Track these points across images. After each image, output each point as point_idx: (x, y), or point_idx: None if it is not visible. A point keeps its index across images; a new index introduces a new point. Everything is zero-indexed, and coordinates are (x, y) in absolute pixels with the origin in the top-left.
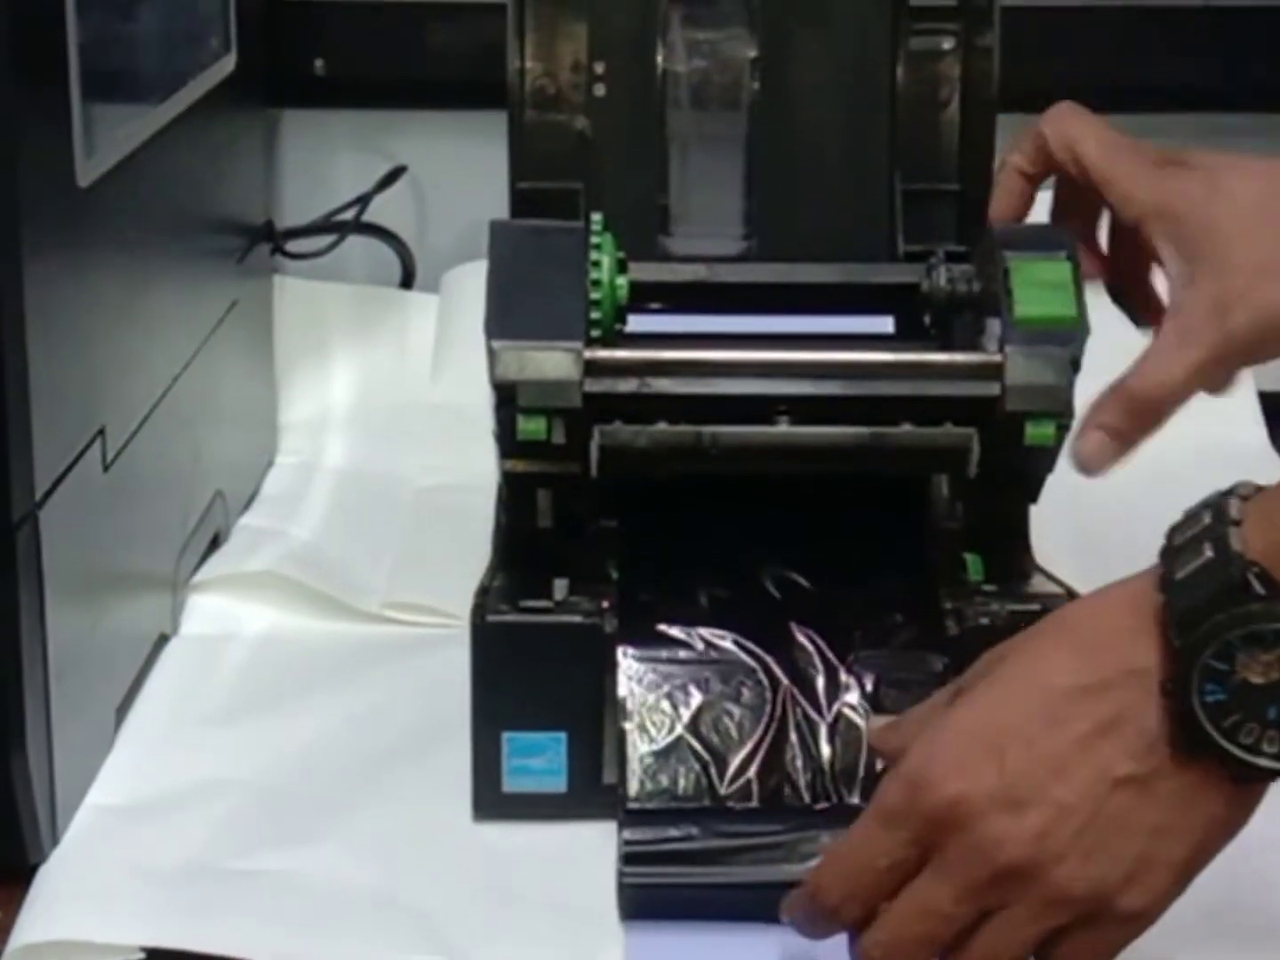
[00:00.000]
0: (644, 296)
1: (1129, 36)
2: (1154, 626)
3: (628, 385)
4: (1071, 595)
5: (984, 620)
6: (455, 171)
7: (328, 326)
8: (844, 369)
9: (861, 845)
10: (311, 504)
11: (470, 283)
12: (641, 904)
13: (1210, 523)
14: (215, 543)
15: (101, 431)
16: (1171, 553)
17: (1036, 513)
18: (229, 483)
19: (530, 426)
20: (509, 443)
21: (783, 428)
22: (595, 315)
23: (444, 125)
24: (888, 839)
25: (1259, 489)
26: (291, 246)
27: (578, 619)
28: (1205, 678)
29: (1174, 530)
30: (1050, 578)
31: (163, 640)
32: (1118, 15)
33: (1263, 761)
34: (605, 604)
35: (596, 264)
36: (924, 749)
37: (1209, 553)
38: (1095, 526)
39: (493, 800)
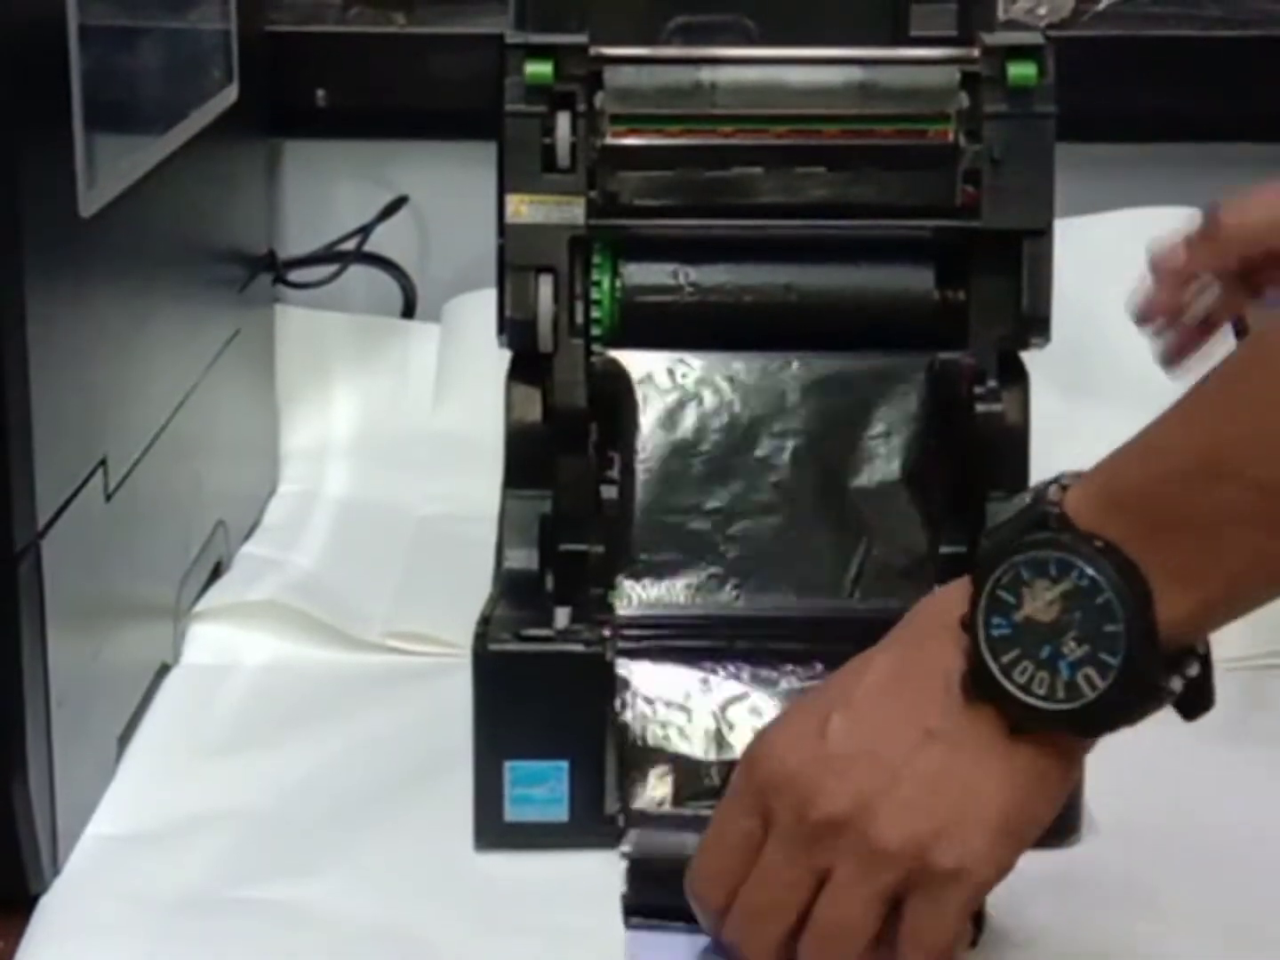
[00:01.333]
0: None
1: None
2: (960, 588)
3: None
4: None
5: None
6: (456, 201)
7: (329, 356)
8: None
9: (715, 829)
10: (313, 533)
11: (471, 312)
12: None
13: (1035, 487)
14: (217, 572)
15: (103, 461)
16: (993, 527)
17: None
18: (230, 512)
19: (536, 70)
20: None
21: (777, 71)
22: (597, 314)
23: (445, 155)
24: (732, 817)
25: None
26: (293, 276)
27: (579, 648)
28: (993, 610)
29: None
30: None
31: (164, 670)
32: (1150, 44)
33: (1032, 700)
34: (607, 633)
35: (598, 283)
36: (762, 732)
37: (1026, 499)
38: None
39: (494, 830)
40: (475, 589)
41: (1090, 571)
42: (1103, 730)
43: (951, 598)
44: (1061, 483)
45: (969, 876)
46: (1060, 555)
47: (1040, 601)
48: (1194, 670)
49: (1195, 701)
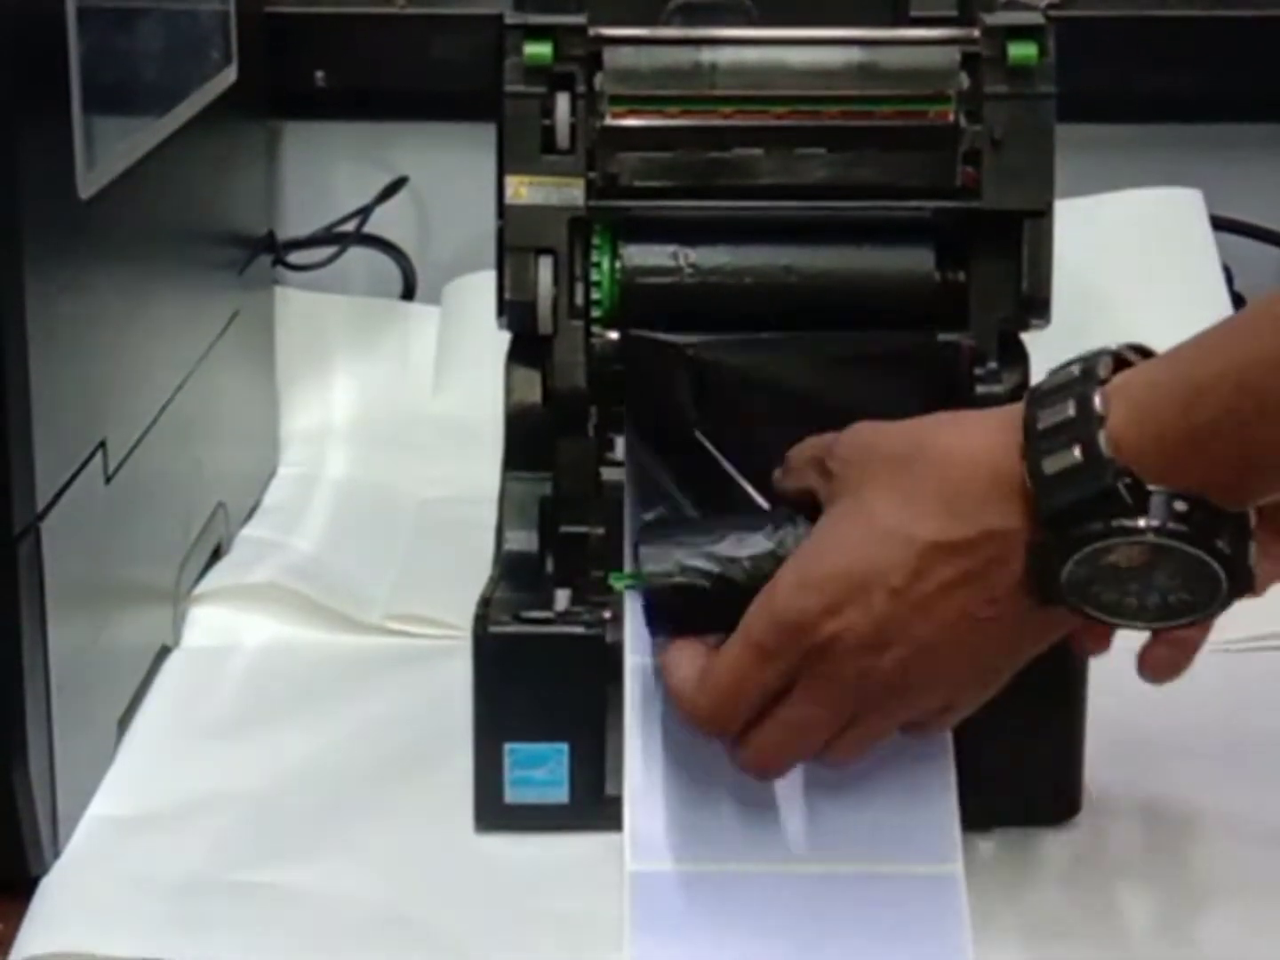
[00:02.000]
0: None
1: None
2: (1018, 498)
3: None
4: None
5: None
6: (456, 183)
7: (329, 338)
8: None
9: (736, 675)
10: (313, 515)
11: (472, 294)
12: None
13: (1075, 415)
14: (217, 554)
15: (103, 443)
16: (1035, 429)
17: None
18: (230, 494)
19: (535, 50)
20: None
21: (778, 51)
22: (596, 296)
23: (445, 137)
24: (763, 672)
25: (1121, 361)
26: (293, 258)
27: (579, 630)
28: (1081, 564)
29: (1040, 397)
30: None
31: (164, 652)
32: (1150, 24)
33: (1122, 621)
34: (607, 614)
35: (598, 264)
36: (795, 588)
37: (1078, 455)
38: None
39: (494, 811)
40: (475, 571)
41: (1169, 540)
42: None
43: (984, 488)
44: (1101, 413)
45: (956, 716)
46: (1143, 526)
47: (1122, 557)
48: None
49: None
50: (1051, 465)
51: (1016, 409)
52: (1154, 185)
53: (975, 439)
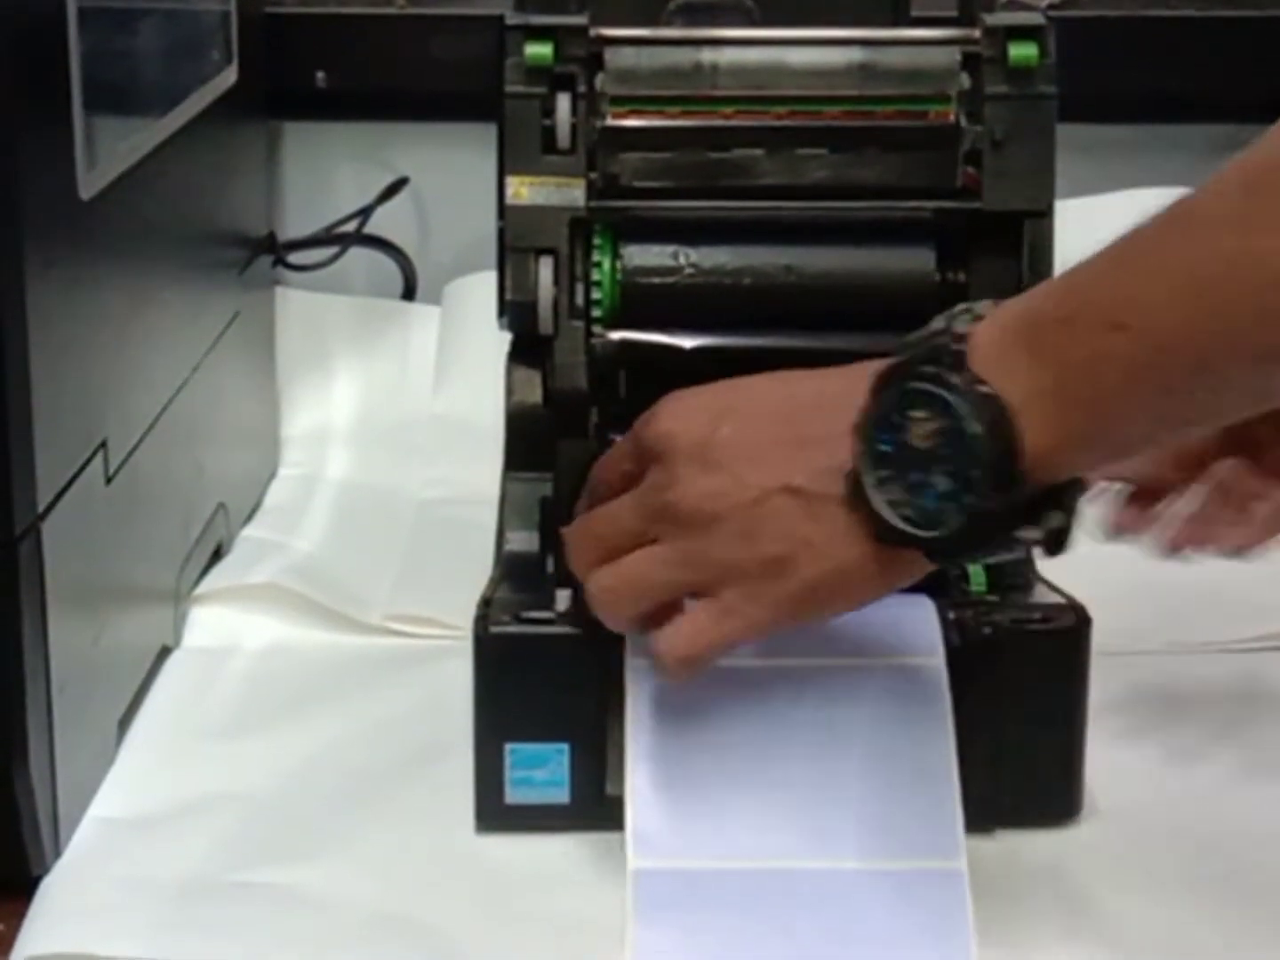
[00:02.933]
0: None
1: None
2: (861, 394)
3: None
4: (1074, 604)
5: (986, 630)
6: (457, 183)
7: (329, 338)
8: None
9: (596, 468)
10: (314, 516)
11: (472, 295)
12: None
13: (955, 311)
14: (217, 555)
15: (104, 444)
16: (902, 345)
17: None
18: (231, 495)
19: (536, 51)
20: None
21: (778, 51)
22: (597, 296)
23: (446, 137)
24: (614, 460)
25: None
26: (293, 258)
27: (580, 630)
28: (882, 426)
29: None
30: (1052, 588)
31: (165, 653)
32: (1151, 25)
33: (895, 521)
34: None
35: (599, 264)
36: (670, 397)
37: (938, 324)
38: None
39: (495, 812)
40: (476, 572)
41: (964, 415)
42: (952, 562)
43: (862, 371)
44: (977, 312)
45: (750, 620)
46: (942, 393)
47: (920, 430)
48: (1056, 521)
49: (1056, 545)
50: (913, 337)
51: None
52: (1155, 186)
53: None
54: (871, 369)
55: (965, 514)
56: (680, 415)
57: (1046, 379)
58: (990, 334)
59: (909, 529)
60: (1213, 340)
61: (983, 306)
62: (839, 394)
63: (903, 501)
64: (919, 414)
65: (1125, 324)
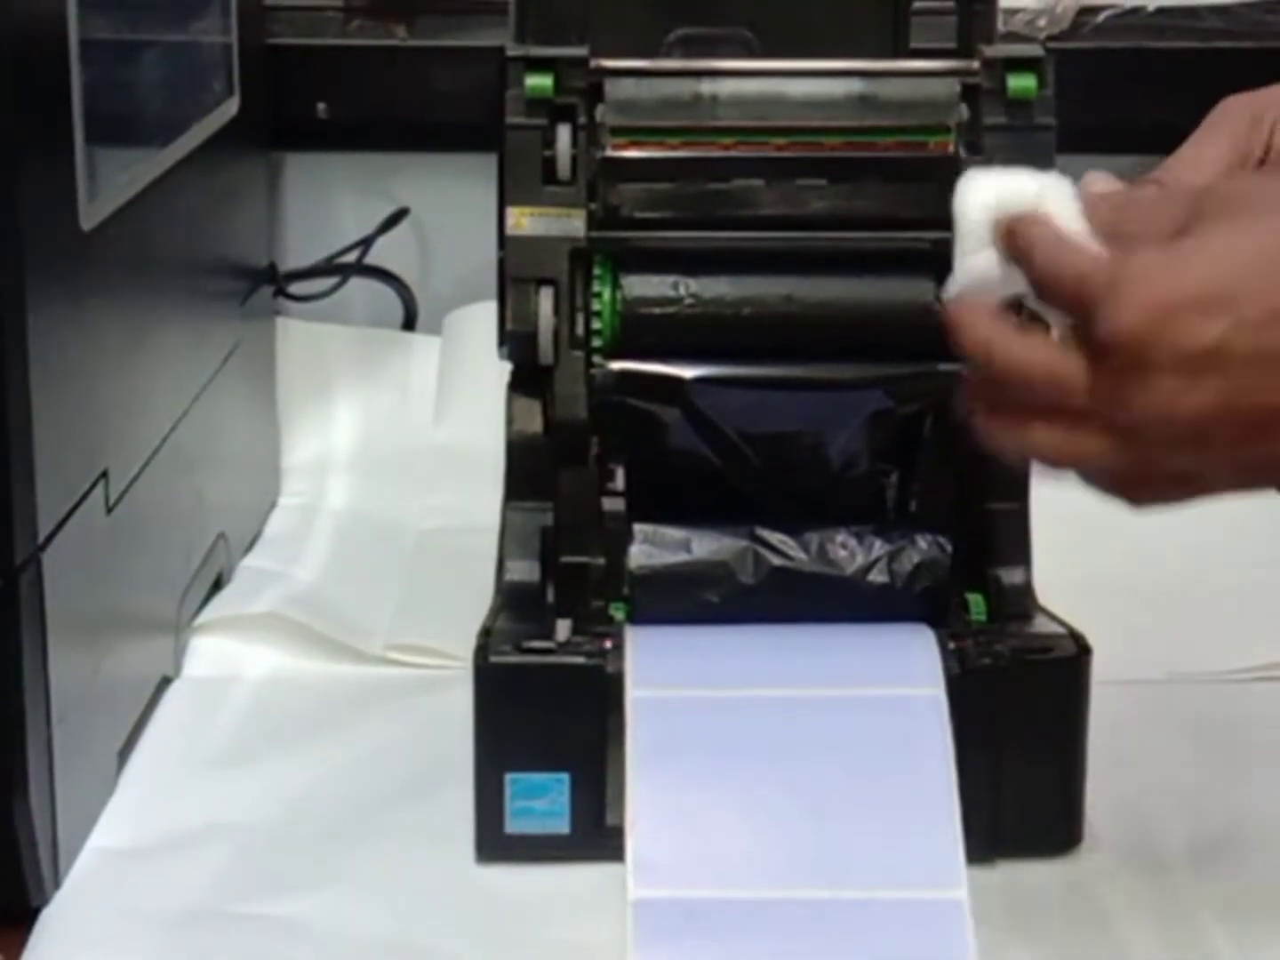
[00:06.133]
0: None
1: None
2: None
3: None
4: (1074, 635)
5: (986, 660)
6: (457, 214)
7: (330, 368)
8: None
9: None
10: (314, 546)
11: (473, 324)
12: None
13: None
14: (218, 584)
15: (104, 474)
16: None
17: (1039, 551)
18: (232, 524)
19: (537, 83)
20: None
21: (778, 82)
22: (597, 326)
23: (446, 168)
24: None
25: None
26: (294, 289)
27: (580, 660)
28: None
29: None
30: (1052, 617)
31: (165, 683)
32: (1151, 56)
33: None
34: (608, 645)
35: (599, 294)
36: (1176, 275)
37: None
38: (1099, 563)
39: (495, 842)
40: (476, 602)
41: None
42: None
43: None
44: None
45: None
46: None
47: None
48: None
49: None
50: None
51: None
52: None
53: None
54: None
55: None
56: (1157, 318)
57: None
58: None
59: None
60: None
61: None
62: None
63: None
64: None
65: None
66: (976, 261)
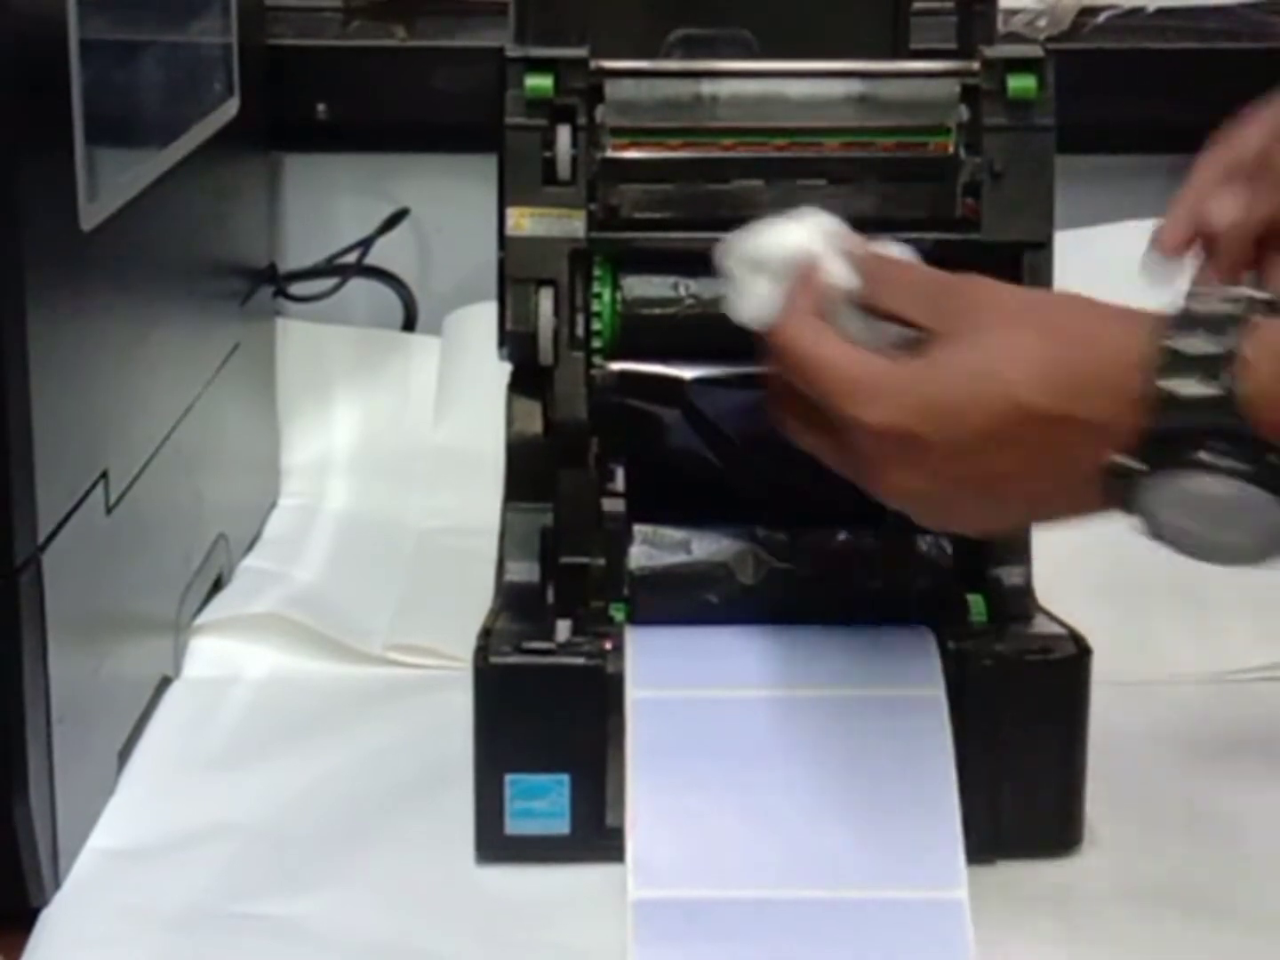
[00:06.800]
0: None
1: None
2: (1132, 406)
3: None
4: (1074, 636)
5: (986, 661)
6: (457, 214)
7: (330, 369)
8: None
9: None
10: (314, 546)
11: (473, 325)
12: None
13: (1219, 352)
14: (218, 585)
15: (104, 474)
16: (1172, 351)
17: (1039, 551)
18: (231, 525)
19: (537, 83)
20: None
21: (778, 83)
22: (597, 327)
23: (446, 168)
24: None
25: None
26: (294, 289)
27: (580, 660)
28: (1165, 478)
29: (1183, 320)
30: (1052, 618)
31: (165, 683)
32: (1150, 57)
33: (1177, 548)
34: (608, 645)
35: (599, 295)
36: (898, 402)
37: (1214, 390)
38: (1099, 564)
39: (495, 843)
40: (476, 602)
41: (1261, 493)
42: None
43: (1106, 373)
44: (1248, 316)
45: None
46: (1235, 469)
47: (1205, 491)
48: None
49: None
50: (1184, 389)
51: (1157, 318)
52: (1155, 216)
53: (1110, 328)
54: (1112, 383)
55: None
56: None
57: None
58: (1271, 380)
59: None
60: None
61: (1252, 344)
62: (1070, 405)
63: (1186, 533)
64: (1203, 479)
65: None
66: (753, 302)
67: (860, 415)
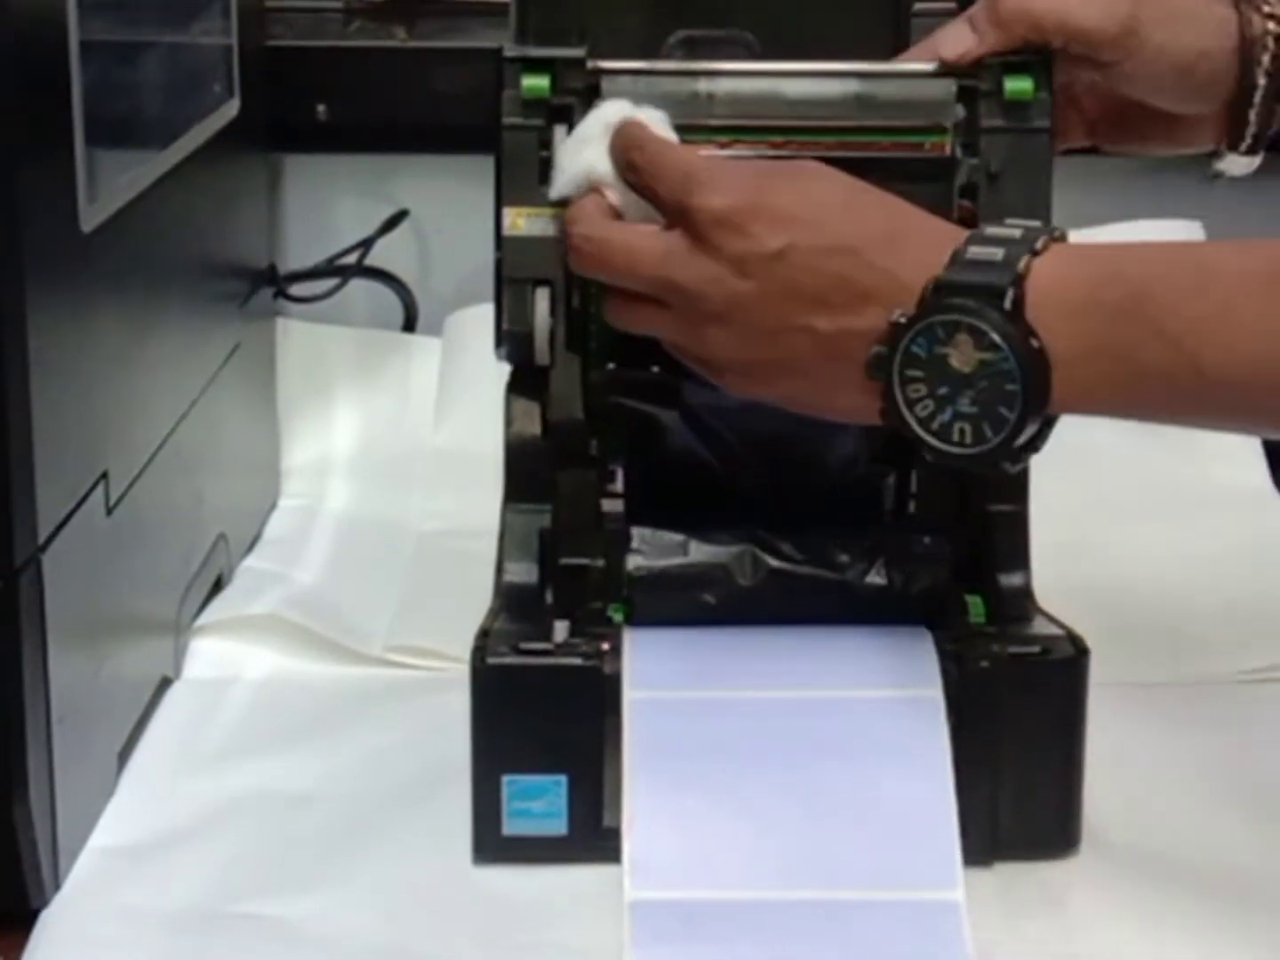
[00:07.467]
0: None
1: None
2: (918, 286)
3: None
4: (1072, 637)
5: (983, 663)
6: (457, 215)
7: (330, 370)
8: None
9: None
10: (314, 547)
11: (473, 326)
12: None
13: (1022, 236)
14: (218, 586)
15: (104, 475)
16: (983, 235)
17: (1038, 554)
18: (232, 526)
19: (533, 83)
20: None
21: (775, 82)
22: (594, 327)
23: (446, 169)
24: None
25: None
26: (294, 290)
27: (577, 661)
28: (923, 334)
29: (977, 235)
30: (1051, 619)
31: (165, 684)
32: None
33: (902, 407)
34: (605, 646)
35: (596, 295)
36: (731, 169)
37: (998, 256)
38: (1098, 566)
39: (493, 843)
40: (476, 603)
41: (1010, 363)
42: (930, 456)
43: (927, 241)
44: (1035, 247)
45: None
46: (992, 335)
47: (962, 354)
48: (1041, 443)
49: (1018, 460)
50: (976, 251)
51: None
52: (1153, 217)
53: (937, 223)
54: (938, 255)
55: (976, 438)
56: (742, 208)
57: (1096, 363)
58: (1051, 284)
59: (916, 427)
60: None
61: (1048, 239)
62: (904, 258)
63: (919, 401)
64: (963, 338)
65: (1197, 356)
66: (586, 154)
67: (713, 195)
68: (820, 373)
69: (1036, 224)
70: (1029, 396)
